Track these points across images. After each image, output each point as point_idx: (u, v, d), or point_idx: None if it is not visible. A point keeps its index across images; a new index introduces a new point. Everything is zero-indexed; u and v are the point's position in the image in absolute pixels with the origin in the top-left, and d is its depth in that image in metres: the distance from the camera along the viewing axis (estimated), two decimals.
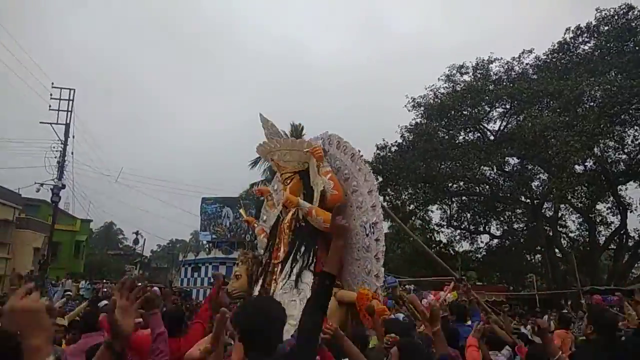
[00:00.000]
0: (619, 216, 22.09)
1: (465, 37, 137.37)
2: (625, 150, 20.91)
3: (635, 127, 20.03)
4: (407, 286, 16.38)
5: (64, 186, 23.84)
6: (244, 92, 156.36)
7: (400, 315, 8.93)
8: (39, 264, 21.83)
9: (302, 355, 1.99)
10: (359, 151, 6.81)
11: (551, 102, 20.46)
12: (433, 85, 23.88)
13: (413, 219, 25.82)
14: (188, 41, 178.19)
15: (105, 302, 9.46)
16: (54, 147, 23.94)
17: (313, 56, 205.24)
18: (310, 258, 5.98)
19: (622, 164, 21.37)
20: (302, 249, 6.07)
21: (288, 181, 6.58)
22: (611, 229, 22.93)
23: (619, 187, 21.46)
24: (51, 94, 24.45)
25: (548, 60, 22.27)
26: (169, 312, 3.97)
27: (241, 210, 10.14)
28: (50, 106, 24.36)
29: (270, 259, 6.38)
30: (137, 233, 42.11)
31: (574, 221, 24.87)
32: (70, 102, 24.61)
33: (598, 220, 23.52)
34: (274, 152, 6.77)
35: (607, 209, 23.11)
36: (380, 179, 23.99)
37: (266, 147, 6.87)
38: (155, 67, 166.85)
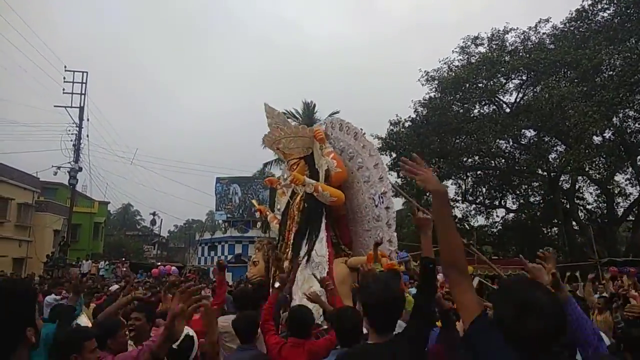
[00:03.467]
0: (637, 187, 21.74)
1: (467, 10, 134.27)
2: None
3: None
4: None
5: (80, 169, 24.18)
6: (246, 75, 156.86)
7: (413, 290, 8.87)
8: (59, 246, 22.29)
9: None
10: (362, 129, 7.12)
11: (569, 72, 19.97)
12: (447, 57, 23.49)
13: (427, 194, 25.66)
14: (191, 23, 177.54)
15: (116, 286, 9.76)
16: (69, 131, 24.23)
17: (311, 40, 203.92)
18: (320, 233, 6.32)
19: None
20: (311, 226, 6.42)
21: (294, 167, 6.97)
22: (630, 200, 22.58)
23: (638, 157, 21.03)
24: (64, 77, 24.62)
25: (565, 29, 21.64)
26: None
27: (253, 201, 10.65)
28: (64, 89, 24.57)
29: (284, 241, 6.73)
30: (154, 214, 42.74)
31: (591, 193, 24.54)
32: (84, 85, 24.79)
33: (616, 192, 23.16)
34: (279, 140, 7.16)
35: (625, 180, 22.74)
36: (394, 155, 23.86)
37: (271, 137, 7.27)
38: (163, 49, 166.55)
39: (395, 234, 6.48)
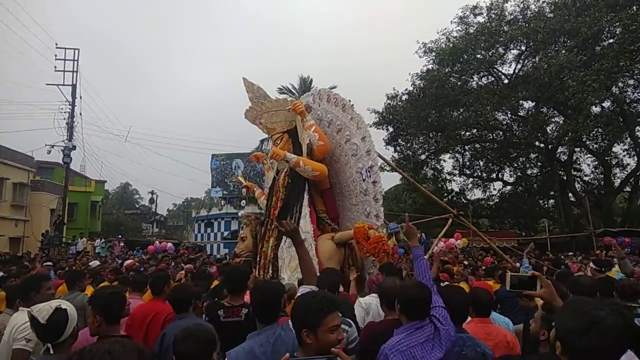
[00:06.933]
0: (635, 158, 21.60)
1: None
2: None
3: None
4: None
5: (74, 147, 23.94)
6: (239, 50, 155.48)
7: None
8: (55, 224, 22.24)
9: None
10: (350, 101, 6.87)
11: (568, 41, 19.62)
12: (445, 28, 23.08)
13: (425, 168, 25.53)
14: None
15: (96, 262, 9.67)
16: (62, 109, 23.89)
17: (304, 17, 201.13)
18: (303, 209, 6.19)
19: None
20: (295, 202, 6.28)
21: (278, 141, 6.78)
22: (627, 171, 22.49)
23: (637, 127, 20.83)
24: (56, 55, 24.14)
25: None
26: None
27: (240, 177, 10.45)
28: (55, 67, 24.11)
29: (268, 217, 6.57)
30: (152, 192, 42.56)
31: (588, 165, 24.47)
32: (75, 62, 24.35)
33: (614, 163, 23.05)
34: (260, 115, 6.94)
35: (623, 151, 22.60)
36: (391, 129, 23.65)
37: (252, 112, 7.03)
38: (153, 25, 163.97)
39: (382, 208, 6.35)
